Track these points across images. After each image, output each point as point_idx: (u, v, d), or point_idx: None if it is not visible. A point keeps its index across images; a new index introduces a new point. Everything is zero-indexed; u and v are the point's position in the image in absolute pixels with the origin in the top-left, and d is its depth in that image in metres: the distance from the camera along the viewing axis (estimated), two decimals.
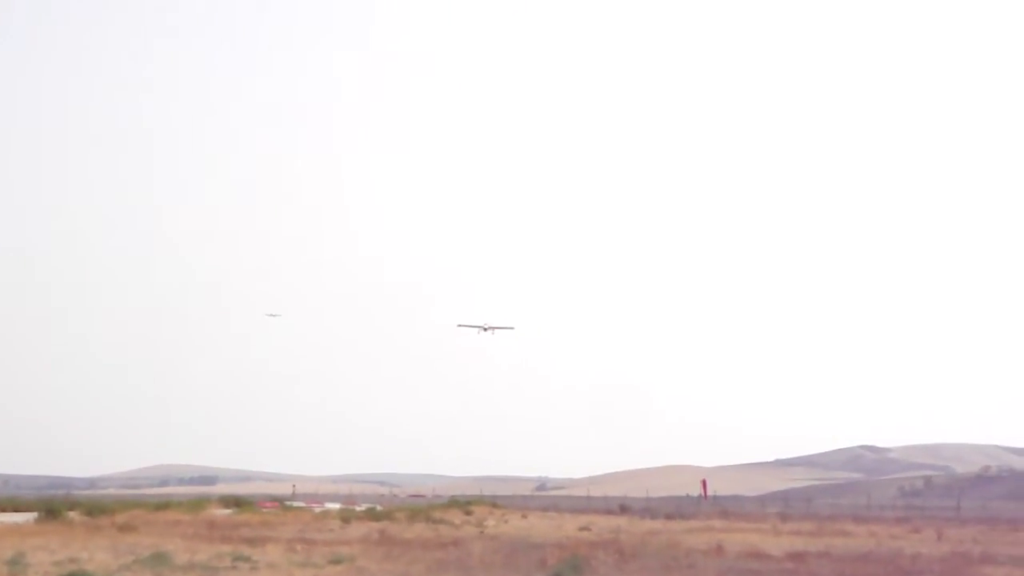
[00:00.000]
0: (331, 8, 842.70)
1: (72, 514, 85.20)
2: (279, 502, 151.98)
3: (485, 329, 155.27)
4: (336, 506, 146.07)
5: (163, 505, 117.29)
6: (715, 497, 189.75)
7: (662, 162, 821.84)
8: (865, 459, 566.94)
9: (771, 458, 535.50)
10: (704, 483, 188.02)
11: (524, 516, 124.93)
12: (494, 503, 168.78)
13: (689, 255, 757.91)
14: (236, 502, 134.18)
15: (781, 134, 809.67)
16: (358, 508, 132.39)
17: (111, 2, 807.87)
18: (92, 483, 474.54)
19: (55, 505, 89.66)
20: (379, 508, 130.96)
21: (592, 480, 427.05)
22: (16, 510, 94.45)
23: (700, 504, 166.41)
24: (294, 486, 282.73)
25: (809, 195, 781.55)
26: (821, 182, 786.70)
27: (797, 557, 53.15)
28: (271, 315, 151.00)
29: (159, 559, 44.99)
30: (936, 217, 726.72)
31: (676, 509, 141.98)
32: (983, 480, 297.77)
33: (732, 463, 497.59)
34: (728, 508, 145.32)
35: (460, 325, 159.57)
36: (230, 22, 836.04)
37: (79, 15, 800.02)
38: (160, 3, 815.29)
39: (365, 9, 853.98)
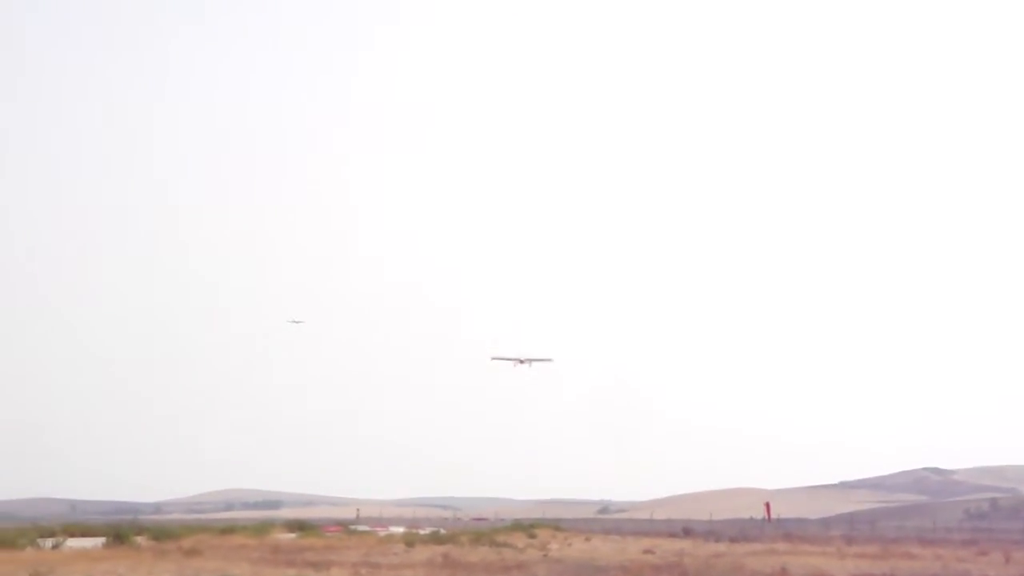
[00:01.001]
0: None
1: (139, 539, 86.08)
2: (343, 526, 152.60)
3: (521, 362, 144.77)
4: (400, 530, 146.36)
5: (228, 530, 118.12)
6: (779, 520, 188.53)
7: (699, 169, 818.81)
8: (930, 481, 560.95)
9: (835, 480, 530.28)
10: (768, 506, 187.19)
11: (587, 539, 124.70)
12: (557, 526, 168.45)
13: (751, 277, 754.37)
14: (300, 526, 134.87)
15: (813, 139, 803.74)
16: (422, 532, 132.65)
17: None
18: (158, 508, 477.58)
19: (122, 530, 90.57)
20: (443, 532, 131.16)
21: (655, 503, 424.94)
22: (84, 535, 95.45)
23: (764, 527, 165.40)
24: (358, 510, 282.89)
25: (870, 210, 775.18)
26: (876, 192, 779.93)
27: None
28: (294, 322, 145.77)
29: None
30: (1003, 237, 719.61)
31: (740, 532, 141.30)
32: None
33: (795, 485, 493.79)
34: (792, 531, 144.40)
35: (494, 358, 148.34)
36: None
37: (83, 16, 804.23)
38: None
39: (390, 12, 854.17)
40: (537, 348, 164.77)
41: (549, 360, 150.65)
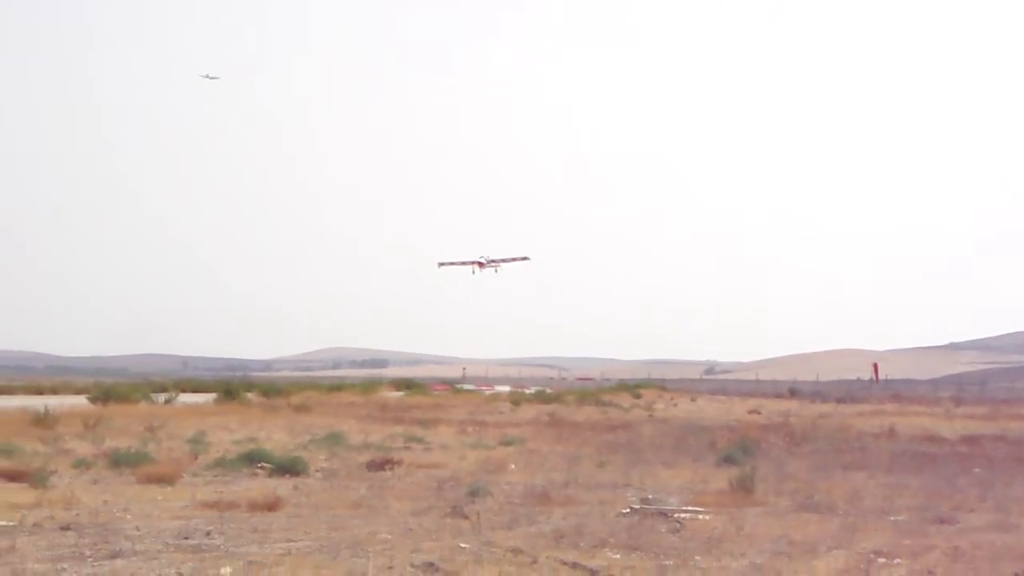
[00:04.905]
0: None
1: (249, 395, 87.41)
2: (449, 385, 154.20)
3: (481, 265, 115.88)
4: (506, 389, 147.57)
5: (336, 387, 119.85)
6: (886, 381, 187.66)
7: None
8: None
9: (943, 341, 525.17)
10: (875, 366, 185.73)
11: (693, 400, 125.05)
12: (663, 387, 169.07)
13: (858, 143, 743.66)
14: (407, 385, 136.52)
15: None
16: (528, 391, 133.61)
17: None
18: (267, 365, 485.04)
19: (233, 387, 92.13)
20: (548, 391, 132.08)
21: (761, 364, 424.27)
22: (196, 391, 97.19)
23: (871, 388, 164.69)
24: (464, 369, 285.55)
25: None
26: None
27: (971, 440, 52.31)
28: (208, 76, 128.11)
29: (334, 439, 45.79)
30: None
31: (847, 393, 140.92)
32: None
33: (903, 347, 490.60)
34: (900, 392, 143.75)
35: (442, 264, 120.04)
36: None
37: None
38: None
39: None
40: (509, 248, 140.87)
41: (525, 259, 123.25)
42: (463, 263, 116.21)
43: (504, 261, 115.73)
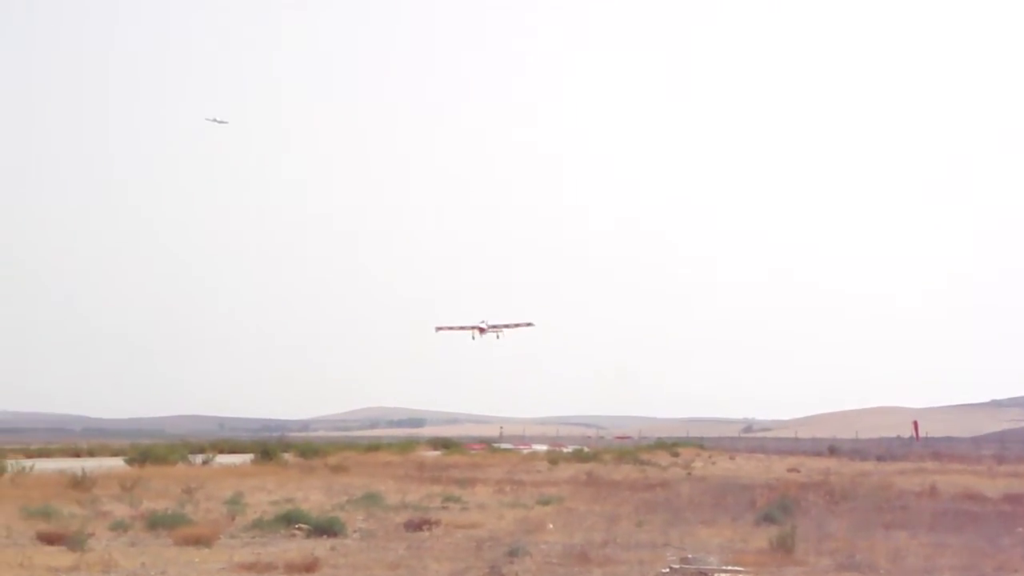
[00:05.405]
0: None
1: (287, 456, 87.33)
2: (487, 444, 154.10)
3: (483, 331, 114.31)
4: (543, 448, 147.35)
5: (374, 447, 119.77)
6: (927, 438, 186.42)
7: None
8: None
9: (985, 399, 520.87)
10: (916, 424, 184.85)
11: (731, 458, 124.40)
12: (701, 445, 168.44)
13: (895, 198, 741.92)
14: (444, 444, 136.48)
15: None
16: (565, 450, 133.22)
17: None
18: (304, 425, 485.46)
19: (270, 447, 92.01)
20: (586, 450, 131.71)
21: (800, 422, 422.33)
22: (233, 452, 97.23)
23: (912, 445, 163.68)
24: (501, 428, 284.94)
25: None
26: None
27: (1014, 499, 51.76)
28: (216, 120, 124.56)
29: (371, 499, 45.74)
30: None
31: (887, 451, 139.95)
32: None
33: (944, 404, 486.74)
34: (941, 450, 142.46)
35: (439, 328, 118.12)
36: None
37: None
38: None
39: None
40: (515, 313, 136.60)
41: (529, 325, 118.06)
42: (462, 328, 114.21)
43: (507, 327, 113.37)
